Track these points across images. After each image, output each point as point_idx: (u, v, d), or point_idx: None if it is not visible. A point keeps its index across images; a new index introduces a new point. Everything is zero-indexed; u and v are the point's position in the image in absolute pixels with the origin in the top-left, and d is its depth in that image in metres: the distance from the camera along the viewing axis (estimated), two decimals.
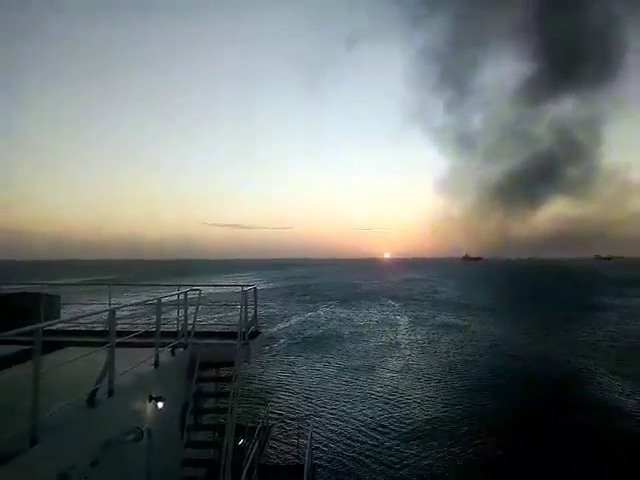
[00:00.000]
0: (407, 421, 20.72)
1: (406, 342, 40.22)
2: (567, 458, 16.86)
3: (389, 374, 29.09)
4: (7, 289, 12.66)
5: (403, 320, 53.80)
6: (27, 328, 4.56)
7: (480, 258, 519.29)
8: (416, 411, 22.12)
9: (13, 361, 7.06)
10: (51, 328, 6.43)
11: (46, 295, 10.53)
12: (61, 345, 8.24)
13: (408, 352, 35.84)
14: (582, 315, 55.36)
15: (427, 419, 21.03)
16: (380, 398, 24.08)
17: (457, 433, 19.36)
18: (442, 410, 22.20)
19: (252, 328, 10.17)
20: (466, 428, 19.93)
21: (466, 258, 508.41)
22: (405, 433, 19.35)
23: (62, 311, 12.23)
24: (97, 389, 5.84)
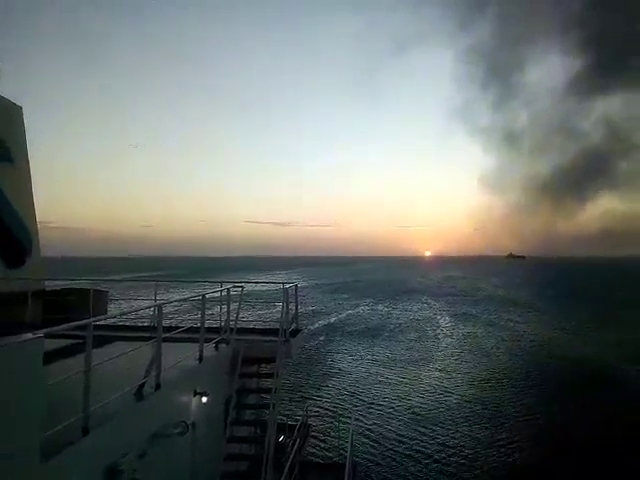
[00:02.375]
0: (450, 420, 20.29)
1: (448, 339, 39.56)
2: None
3: (431, 371, 28.64)
4: (57, 285, 13.19)
5: (445, 317, 52.95)
6: (80, 322, 4.68)
7: (524, 257, 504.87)
8: (459, 409, 21.66)
9: (64, 354, 7.30)
10: (100, 323, 6.62)
11: (95, 290, 10.89)
12: (110, 339, 8.49)
13: (450, 350, 35.22)
14: (633, 315, 52.68)
15: (470, 418, 20.56)
16: (423, 396, 23.70)
17: (501, 433, 18.79)
18: (486, 409, 21.65)
19: (293, 325, 10.18)
20: (511, 427, 19.41)
21: (510, 256, 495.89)
22: (448, 433, 18.92)
23: (110, 306, 12.64)
24: (144, 383, 5.97)
